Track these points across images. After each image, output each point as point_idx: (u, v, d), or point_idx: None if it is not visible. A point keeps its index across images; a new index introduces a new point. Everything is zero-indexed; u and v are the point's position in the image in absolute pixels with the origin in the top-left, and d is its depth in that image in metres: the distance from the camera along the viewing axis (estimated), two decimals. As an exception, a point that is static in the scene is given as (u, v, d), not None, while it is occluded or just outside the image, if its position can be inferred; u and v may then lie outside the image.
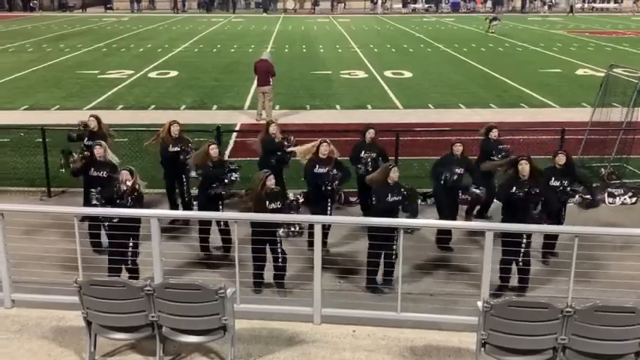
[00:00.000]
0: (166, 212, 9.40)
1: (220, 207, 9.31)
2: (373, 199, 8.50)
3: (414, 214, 8.44)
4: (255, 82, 17.83)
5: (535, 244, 8.70)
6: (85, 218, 9.14)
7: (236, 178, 9.12)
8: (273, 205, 8.10)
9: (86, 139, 10.50)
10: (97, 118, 10.86)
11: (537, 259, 8.87)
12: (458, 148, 9.50)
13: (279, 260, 8.28)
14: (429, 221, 9.14)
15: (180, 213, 10.30)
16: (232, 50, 32.84)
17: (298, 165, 10.37)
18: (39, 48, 32.77)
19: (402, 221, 7.76)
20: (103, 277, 6.34)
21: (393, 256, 8.04)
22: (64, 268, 7.55)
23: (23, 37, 37.36)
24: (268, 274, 8.37)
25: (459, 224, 9.57)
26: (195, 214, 9.84)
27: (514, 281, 8.26)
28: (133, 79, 24.08)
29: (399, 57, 30.57)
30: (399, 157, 11.20)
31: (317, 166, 9.34)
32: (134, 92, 21.50)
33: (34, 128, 13.03)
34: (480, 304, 5.69)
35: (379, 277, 8.41)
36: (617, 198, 11.47)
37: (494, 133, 10.38)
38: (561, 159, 9.01)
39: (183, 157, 10.21)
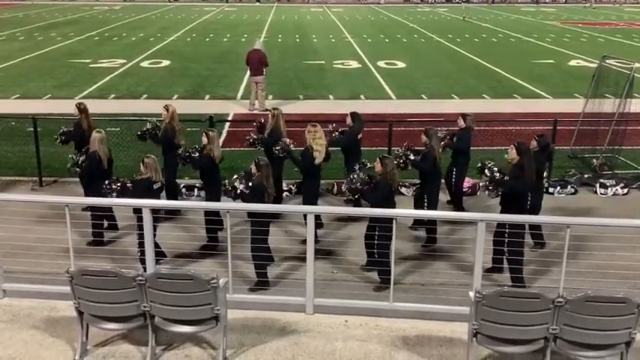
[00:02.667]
0: (158, 202, 9.34)
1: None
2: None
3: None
4: (248, 72, 17.77)
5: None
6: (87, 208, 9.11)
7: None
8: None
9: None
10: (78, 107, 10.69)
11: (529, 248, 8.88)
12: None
13: None
14: (426, 212, 9.16)
15: (172, 203, 10.23)
16: (225, 40, 32.68)
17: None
18: (30, 36, 32.51)
19: (397, 212, 7.76)
20: (94, 266, 6.30)
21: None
22: (55, 257, 7.52)
23: (14, 26, 37.05)
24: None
25: (451, 215, 9.58)
26: (187, 204, 9.80)
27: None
28: (125, 68, 23.93)
29: (393, 47, 30.51)
30: (392, 148, 11.18)
31: None
32: (126, 81, 21.36)
33: (25, 117, 12.93)
34: (471, 294, 5.71)
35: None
36: (609, 189, 11.52)
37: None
38: (532, 143, 8.98)
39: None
